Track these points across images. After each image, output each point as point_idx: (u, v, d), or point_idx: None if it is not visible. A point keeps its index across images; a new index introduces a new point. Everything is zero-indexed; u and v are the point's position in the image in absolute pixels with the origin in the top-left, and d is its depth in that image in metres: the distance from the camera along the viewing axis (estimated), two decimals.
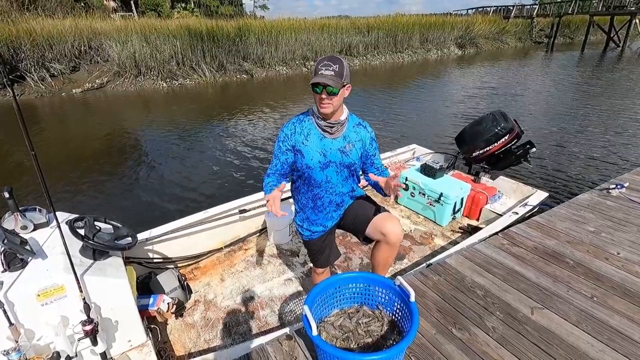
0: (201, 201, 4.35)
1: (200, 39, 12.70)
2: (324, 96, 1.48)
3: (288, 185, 1.88)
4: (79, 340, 1.48)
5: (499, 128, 3.22)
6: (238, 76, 13.45)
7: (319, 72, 1.45)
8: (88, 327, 1.43)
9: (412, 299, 1.41)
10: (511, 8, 28.82)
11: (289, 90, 11.91)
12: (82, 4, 19.66)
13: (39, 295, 1.44)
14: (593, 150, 5.78)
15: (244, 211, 2.88)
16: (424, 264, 2.21)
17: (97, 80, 11.37)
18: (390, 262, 1.87)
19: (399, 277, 1.51)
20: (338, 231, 2.02)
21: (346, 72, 1.48)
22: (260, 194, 3.03)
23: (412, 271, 2.14)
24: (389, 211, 1.78)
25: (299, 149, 1.63)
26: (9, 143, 6.52)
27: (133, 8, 23.78)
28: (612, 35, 22.87)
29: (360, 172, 1.86)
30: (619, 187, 3.01)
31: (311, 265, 2.70)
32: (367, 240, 1.82)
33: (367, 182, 1.85)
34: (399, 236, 1.69)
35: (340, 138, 1.64)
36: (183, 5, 28.29)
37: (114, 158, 5.98)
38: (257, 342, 1.72)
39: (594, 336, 1.67)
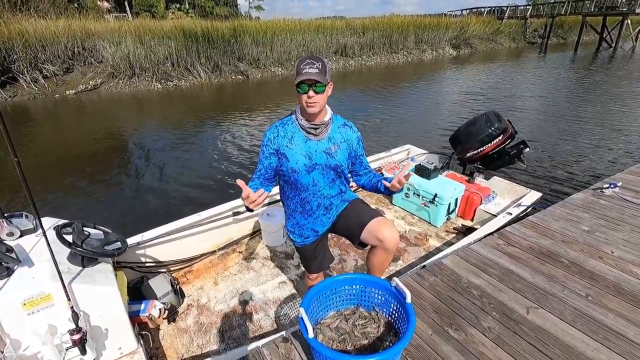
0: (194, 203, 4.31)
1: (195, 39, 12.66)
2: (311, 94, 1.45)
3: (276, 189, 1.87)
4: (67, 350, 1.44)
5: (492, 128, 3.22)
6: (233, 77, 13.42)
7: (304, 71, 1.42)
8: (76, 336, 1.39)
9: (408, 300, 1.40)
10: (505, 9, 29.05)
11: (284, 91, 11.89)
12: (76, 5, 19.53)
13: (25, 304, 1.40)
14: (586, 150, 5.82)
15: (238, 213, 2.85)
16: (419, 265, 2.20)
17: (90, 82, 11.29)
18: (386, 266, 1.85)
19: (395, 279, 1.50)
20: (332, 233, 2.01)
21: (328, 70, 1.47)
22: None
23: (408, 272, 2.14)
24: (383, 215, 1.76)
25: (283, 153, 1.60)
26: None
27: (127, 9, 23.67)
28: (604, 35, 23.12)
29: (350, 175, 1.84)
30: (612, 186, 3.03)
31: None
32: (362, 244, 1.80)
33: (356, 185, 1.84)
34: (396, 241, 1.67)
35: (325, 139, 1.62)
36: (177, 6, 28.22)
37: (106, 160, 5.93)
38: (251, 346, 1.69)
39: (589, 335, 1.67)
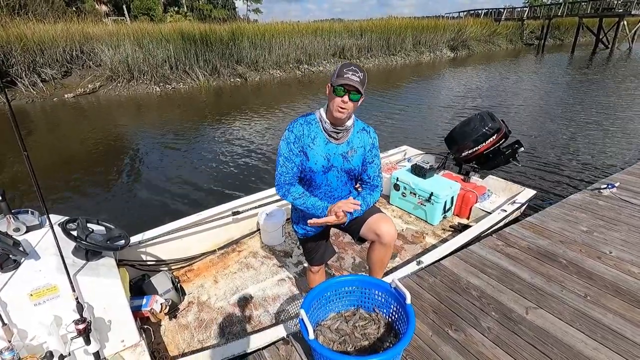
0: (194, 203, 4.32)
1: (194, 42, 12.66)
2: (346, 99, 1.46)
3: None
4: (72, 340, 1.47)
5: (486, 128, 3.26)
6: (232, 80, 13.43)
7: (345, 76, 1.43)
8: (81, 326, 1.43)
9: (408, 301, 1.42)
10: (502, 11, 29.20)
11: (283, 93, 11.91)
12: (74, 9, 19.58)
13: (31, 295, 1.44)
14: (582, 150, 5.84)
15: (237, 213, 2.87)
16: (416, 261, 2.24)
17: (89, 85, 11.28)
18: (385, 262, 1.88)
19: (395, 280, 1.51)
20: (331, 231, 2.03)
21: (365, 83, 1.48)
22: (253, 196, 3.04)
23: (407, 273, 2.15)
24: (382, 212, 1.79)
25: (305, 152, 1.63)
26: None
27: (125, 12, 23.69)
28: (600, 37, 23.25)
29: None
30: (610, 186, 3.05)
31: (304, 265, 2.72)
32: (361, 240, 1.83)
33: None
34: (393, 236, 1.70)
35: (344, 144, 1.65)
36: (176, 9, 28.27)
37: (106, 162, 5.92)
38: (250, 341, 1.72)
39: (587, 335, 1.68)
